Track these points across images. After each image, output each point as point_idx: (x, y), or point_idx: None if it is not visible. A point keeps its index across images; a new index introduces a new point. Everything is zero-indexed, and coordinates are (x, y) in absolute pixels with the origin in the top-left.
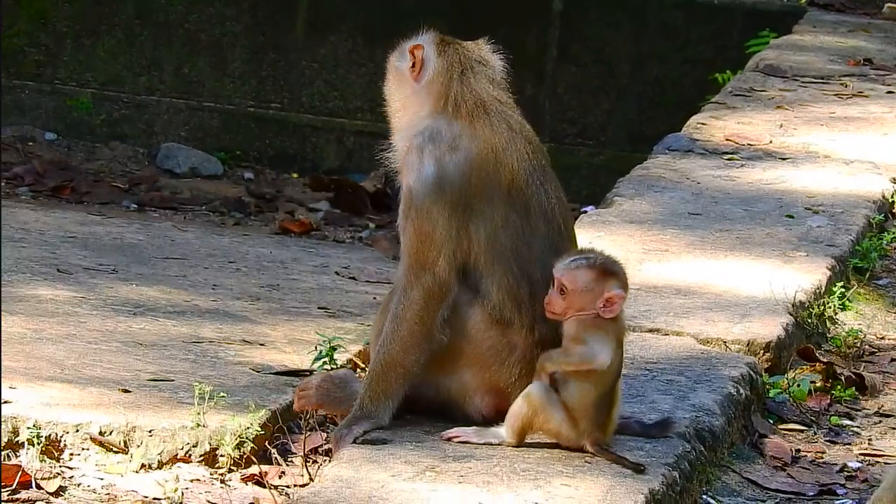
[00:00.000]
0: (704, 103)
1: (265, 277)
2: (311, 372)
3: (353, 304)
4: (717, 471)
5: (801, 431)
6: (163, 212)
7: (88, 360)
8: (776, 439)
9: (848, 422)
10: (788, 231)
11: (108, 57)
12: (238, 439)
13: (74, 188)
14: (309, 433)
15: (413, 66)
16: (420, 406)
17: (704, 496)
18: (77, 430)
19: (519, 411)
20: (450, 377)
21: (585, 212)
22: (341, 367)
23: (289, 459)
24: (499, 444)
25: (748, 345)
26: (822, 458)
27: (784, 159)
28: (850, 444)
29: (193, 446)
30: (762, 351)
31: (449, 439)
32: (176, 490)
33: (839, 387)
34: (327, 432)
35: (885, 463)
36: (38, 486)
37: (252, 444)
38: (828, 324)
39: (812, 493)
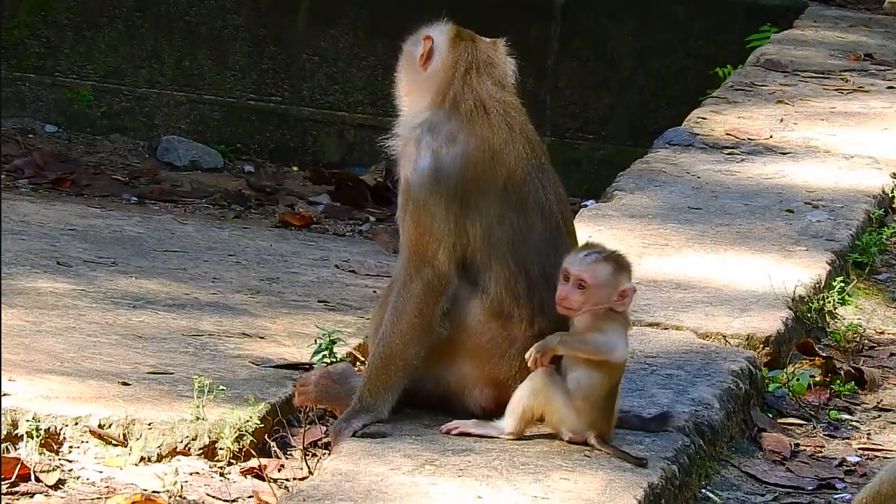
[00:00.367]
0: (705, 98)
1: (265, 271)
2: (310, 366)
3: (353, 297)
4: (717, 465)
5: (801, 426)
6: (163, 205)
7: (88, 352)
8: (775, 433)
9: (847, 416)
10: (788, 226)
11: (108, 49)
12: (237, 432)
13: (75, 181)
14: (308, 426)
15: (422, 54)
16: (420, 399)
17: (703, 490)
18: (76, 423)
19: (522, 399)
20: (449, 370)
21: (586, 206)
22: (341, 360)
23: (288, 453)
24: (498, 437)
25: (748, 339)
26: (821, 452)
27: (784, 154)
28: (849, 438)
29: (193, 439)
30: (761, 345)
31: (448, 431)
32: (175, 483)
33: (838, 381)
34: (327, 426)
35: (884, 457)
36: (38, 479)
37: (251, 438)
38: (827, 318)
39: (811, 488)
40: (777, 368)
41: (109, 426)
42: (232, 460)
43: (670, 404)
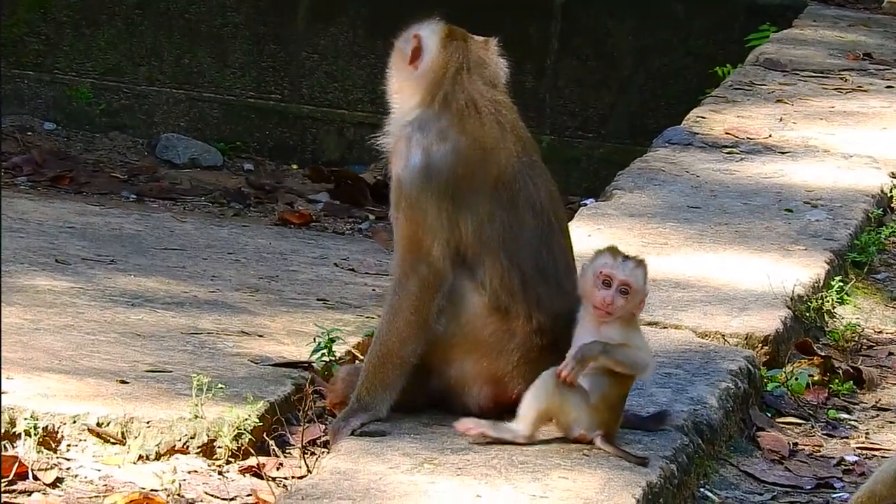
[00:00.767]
0: (704, 97)
1: (264, 269)
2: (309, 364)
3: (352, 295)
4: (715, 464)
5: (799, 425)
6: (162, 202)
7: (86, 350)
8: (774, 433)
9: (845, 415)
10: (787, 225)
11: (107, 47)
12: (236, 431)
13: (73, 178)
14: (307, 425)
15: (412, 51)
16: (418, 397)
17: (702, 489)
18: (74, 422)
19: (535, 401)
20: (450, 366)
21: (585, 204)
22: (339, 358)
23: (287, 451)
24: (513, 441)
25: (746, 338)
26: (820, 451)
27: (783, 153)
28: (847, 437)
29: (191, 438)
30: (760, 344)
31: (465, 431)
32: (173, 482)
33: (837, 380)
34: (326, 424)
35: (882, 457)
36: (35, 478)
37: (250, 436)
38: (826, 317)
39: (809, 487)
40: (776, 368)
41: (108, 424)
42: (230, 459)
43: (669, 403)
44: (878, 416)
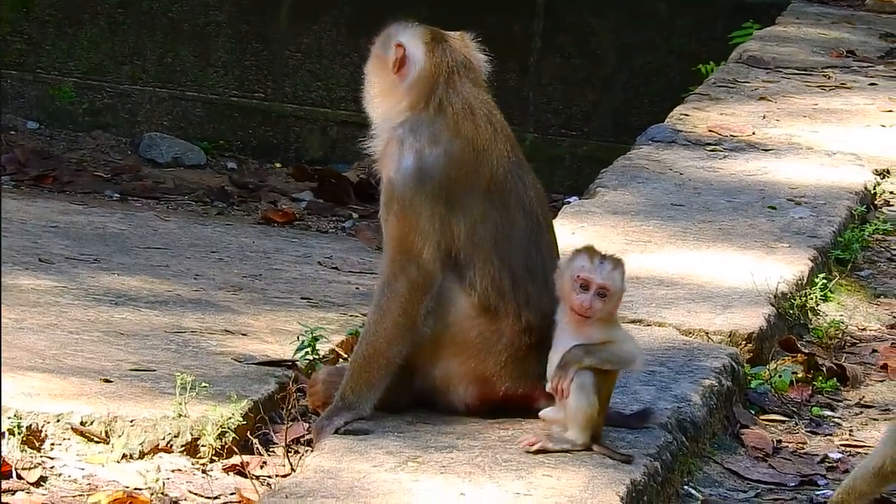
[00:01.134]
0: (688, 94)
1: (248, 267)
2: (293, 363)
3: (335, 294)
4: (699, 461)
5: (783, 422)
6: (145, 201)
7: (70, 349)
8: (757, 430)
9: (829, 413)
10: (771, 222)
11: (90, 46)
12: (220, 429)
13: (56, 177)
14: (291, 424)
15: (395, 62)
16: (402, 397)
17: (686, 487)
18: (58, 420)
19: (582, 405)
20: (436, 366)
21: (568, 202)
22: (323, 357)
23: (271, 450)
24: (572, 450)
25: (730, 336)
26: (804, 448)
27: (767, 151)
28: (831, 434)
29: (175, 436)
30: (744, 342)
31: (530, 445)
32: (157, 480)
33: (820, 378)
34: (309, 423)
35: (866, 454)
36: (19, 476)
37: (234, 435)
38: (809, 315)
39: (793, 484)
40: (759, 365)
41: (91, 423)
42: (214, 457)
43: (653, 401)
44: (861, 413)
